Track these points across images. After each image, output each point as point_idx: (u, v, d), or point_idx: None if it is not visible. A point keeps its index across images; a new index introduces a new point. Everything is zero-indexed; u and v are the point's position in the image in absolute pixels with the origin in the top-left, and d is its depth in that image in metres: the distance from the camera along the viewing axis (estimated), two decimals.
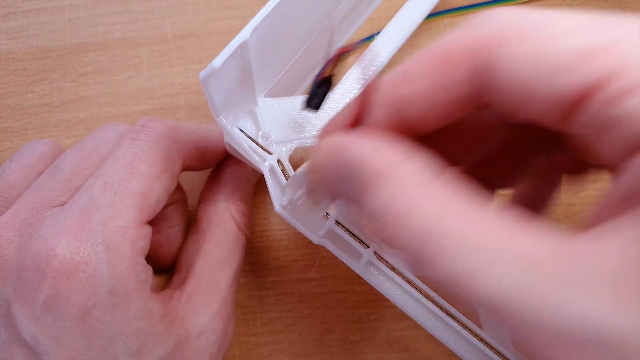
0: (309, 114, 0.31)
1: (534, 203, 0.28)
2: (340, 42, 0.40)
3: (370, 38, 0.38)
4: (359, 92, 0.21)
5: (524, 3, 0.44)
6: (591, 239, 0.15)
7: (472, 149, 0.25)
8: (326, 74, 0.23)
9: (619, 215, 0.15)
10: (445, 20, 0.43)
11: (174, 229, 0.33)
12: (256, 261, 0.38)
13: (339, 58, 0.23)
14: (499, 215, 0.16)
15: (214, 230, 0.32)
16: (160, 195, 0.28)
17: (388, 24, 0.34)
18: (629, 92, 0.15)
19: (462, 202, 0.16)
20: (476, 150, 0.26)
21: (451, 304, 0.29)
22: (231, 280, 0.32)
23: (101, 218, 0.26)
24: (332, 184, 0.20)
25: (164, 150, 0.29)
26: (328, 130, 0.24)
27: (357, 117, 0.21)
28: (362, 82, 0.21)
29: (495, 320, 0.16)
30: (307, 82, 0.39)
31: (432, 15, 0.42)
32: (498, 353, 0.28)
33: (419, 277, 0.29)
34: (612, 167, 0.17)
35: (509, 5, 0.43)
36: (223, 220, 0.32)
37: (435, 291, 0.29)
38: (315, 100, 0.24)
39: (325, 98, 0.24)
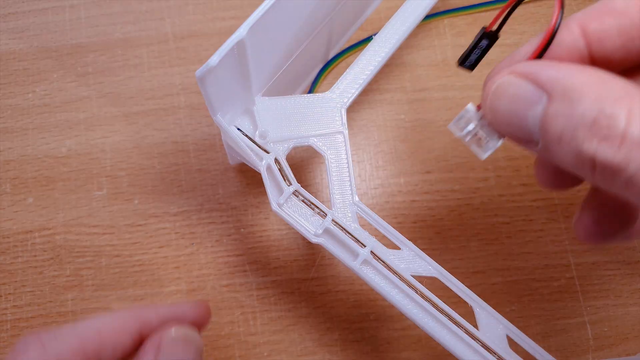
0: (307, 114, 0.31)
1: None
2: (339, 43, 0.40)
3: (369, 39, 0.38)
4: (547, 28, 0.21)
5: (525, 3, 0.43)
6: None
7: None
8: (493, 27, 0.22)
9: None
10: (445, 20, 0.43)
11: None
12: (256, 261, 0.38)
13: (511, 9, 0.22)
14: None
15: None
16: None
17: (386, 24, 0.34)
18: None
19: None
20: None
21: (448, 304, 0.29)
22: None
23: None
24: (521, 106, 0.20)
25: None
26: (504, 64, 0.23)
27: (540, 50, 0.21)
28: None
29: None
30: (306, 82, 0.39)
31: (432, 15, 0.42)
32: (493, 353, 0.28)
33: (416, 278, 0.29)
34: None
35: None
36: None
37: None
38: (473, 57, 0.23)
39: (484, 55, 0.23)
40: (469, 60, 0.24)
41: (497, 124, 0.22)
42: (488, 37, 0.24)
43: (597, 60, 0.21)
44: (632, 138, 0.16)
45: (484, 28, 0.24)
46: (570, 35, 0.21)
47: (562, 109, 0.18)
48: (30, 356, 0.24)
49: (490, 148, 0.24)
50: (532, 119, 0.19)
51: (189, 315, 0.28)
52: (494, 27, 0.23)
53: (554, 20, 0.20)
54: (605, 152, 0.17)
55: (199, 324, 0.29)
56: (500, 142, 0.23)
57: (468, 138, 0.24)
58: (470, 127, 0.24)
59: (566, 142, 0.18)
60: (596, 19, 0.21)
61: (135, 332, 0.26)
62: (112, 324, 0.26)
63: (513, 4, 0.22)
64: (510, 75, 0.20)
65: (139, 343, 0.26)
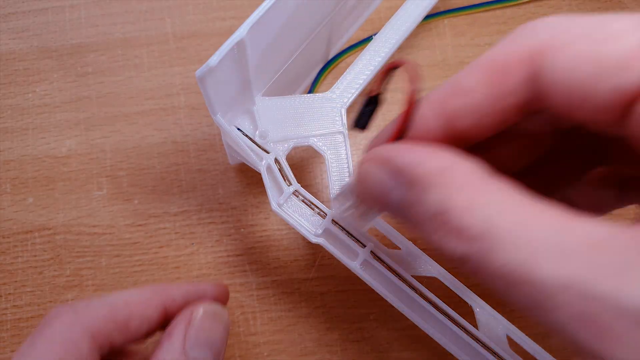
0: (307, 114, 0.31)
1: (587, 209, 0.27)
2: (339, 43, 0.40)
3: (369, 39, 0.38)
4: (403, 109, 0.21)
5: (525, 4, 0.43)
6: None
7: (520, 156, 0.25)
8: (373, 93, 0.23)
9: None
10: (445, 20, 0.43)
11: None
12: (256, 261, 0.38)
13: (387, 74, 0.22)
14: (552, 208, 0.16)
15: None
16: None
17: (386, 24, 0.34)
18: None
19: (516, 197, 0.17)
20: (524, 158, 0.25)
21: (451, 307, 0.29)
22: None
23: None
24: (380, 192, 0.20)
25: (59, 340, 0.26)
26: (372, 145, 0.24)
27: (399, 132, 0.21)
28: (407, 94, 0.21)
29: (547, 310, 0.16)
30: (306, 82, 0.39)
31: (432, 15, 0.42)
32: (493, 353, 0.28)
33: (414, 276, 0.29)
34: None
35: (509, 6, 0.43)
36: None
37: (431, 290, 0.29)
38: (362, 120, 0.24)
39: (373, 117, 0.24)
40: (360, 123, 0.24)
41: (368, 206, 0.22)
42: (373, 102, 0.24)
43: (458, 135, 0.21)
44: (469, 231, 0.16)
45: (368, 94, 0.24)
46: (429, 113, 0.21)
47: (413, 198, 0.18)
48: (64, 320, 0.26)
49: (370, 219, 0.25)
50: (394, 204, 0.19)
51: (210, 294, 0.30)
52: (379, 91, 0.23)
53: (408, 103, 0.20)
54: (447, 245, 0.17)
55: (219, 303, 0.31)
56: (379, 214, 0.25)
57: (350, 212, 0.26)
58: (351, 201, 0.26)
59: (421, 230, 0.18)
60: (450, 98, 0.21)
61: (160, 307, 0.28)
62: (139, 297, 0.27)
63: (389, 69, 0.22)
64: (369, 162, 0.20)
65: (164, 317, 0.28)
